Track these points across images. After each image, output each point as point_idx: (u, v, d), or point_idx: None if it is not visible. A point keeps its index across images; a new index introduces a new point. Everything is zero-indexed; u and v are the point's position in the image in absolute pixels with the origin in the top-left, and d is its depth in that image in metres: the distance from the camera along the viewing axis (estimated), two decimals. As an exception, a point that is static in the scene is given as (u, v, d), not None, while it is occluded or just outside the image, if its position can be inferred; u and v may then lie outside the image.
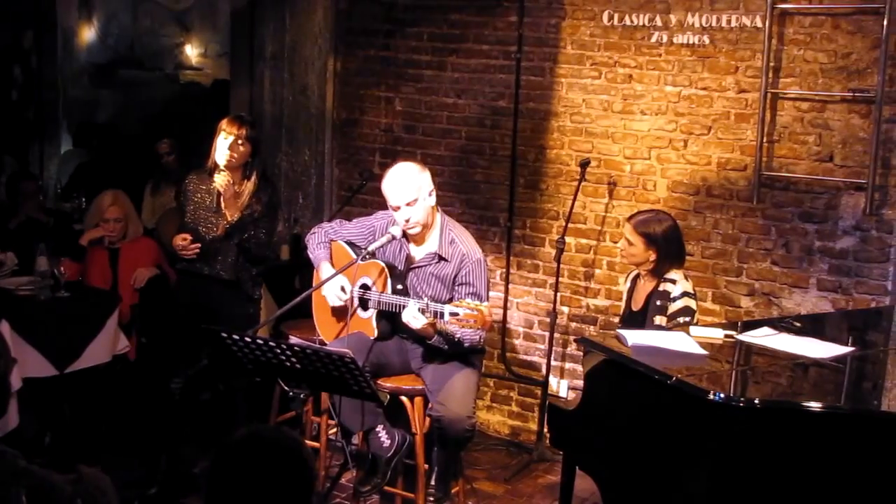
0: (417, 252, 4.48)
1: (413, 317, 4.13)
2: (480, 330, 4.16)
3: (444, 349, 4.32)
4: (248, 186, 4.96)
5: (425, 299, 4.19)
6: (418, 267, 4.45)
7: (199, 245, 4.94)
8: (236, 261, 4.97)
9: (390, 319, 4.44)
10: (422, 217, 4.35)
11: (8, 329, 4.63)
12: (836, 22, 4.93)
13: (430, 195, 4.37)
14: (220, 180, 4.88)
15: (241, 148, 4.90)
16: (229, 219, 4.92)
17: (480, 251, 4.47)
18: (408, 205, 4.30)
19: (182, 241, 4.95)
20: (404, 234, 4.43)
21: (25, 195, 6.64)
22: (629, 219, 4.70)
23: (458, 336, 4.24)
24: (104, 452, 5.04)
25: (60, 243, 5.78)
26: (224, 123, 4.93)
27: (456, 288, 4.36)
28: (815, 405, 3.24)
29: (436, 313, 4.11)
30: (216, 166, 4.91)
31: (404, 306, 4.22)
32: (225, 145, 4.88)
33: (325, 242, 4.69)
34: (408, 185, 4.31)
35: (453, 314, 3.99)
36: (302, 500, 2.30)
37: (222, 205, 4.94)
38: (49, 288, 5.04)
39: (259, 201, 4.95)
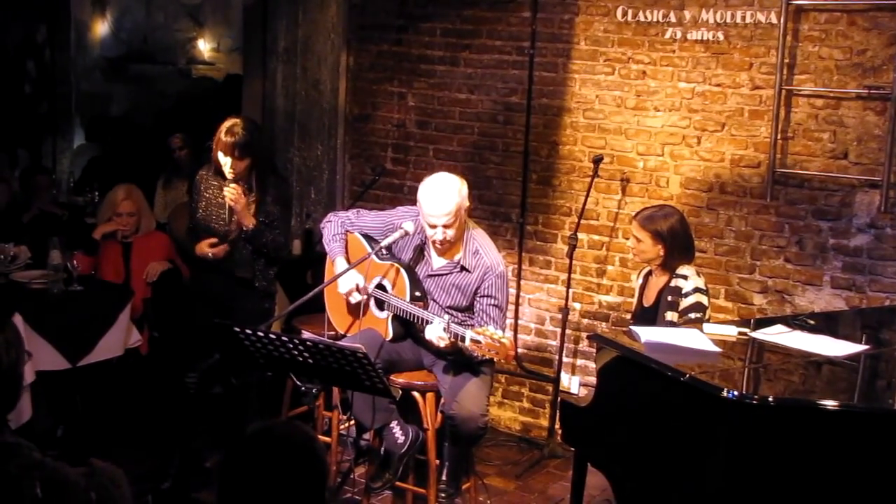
0: (440, 259, 4.43)
1: (438, 336, 4.11)
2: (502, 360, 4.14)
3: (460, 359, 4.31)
4: (256, 194, 4.86)
5: (447, 317, 4.15)
6: (438, 275, 4.41)
7: (226, 245, 4.88)
8: (252, 259, 4.94)
9: (405, 325, 4.42)
10: (455, 236, 4.31)
11: (21, 322, 4.62)
12: (852, 18, 4.90)
13: (465, 213, 4.32)
14: (230, 195, 4.75)
15: (240, 163, 4.77)
16: (246, 226, 4.82)
17: (503, 262, 4.44)
18: (445, 226, 4.25)
19: (208, 247, 4.89)
20: (425, 240, 4.40)
21: (39, 189, 6.66)
22: (635, 216, 4.69)
23: (477, 356, 4.20)
24: (116, 446, 5.05)
25: (73, 237, 5.78)
26: (221, 133, 4.77)
27: (477, 299, 4.33)
28: (828, 403, 3.23)
29: (457, 336, 4.08)
30: (223, 176, 4.84)
31: (426, 321, 4.20)
32: (226, 163, 4.77)
33: (340, 234, 4.65)
34: (449, 206, 4.21)
35: (475, 341, 3.96)
36: (315, 495, 2.30)
37: (234, 217, 4.85)
38: (62, 281, 5.05)
39: (273, 202, 4.88)
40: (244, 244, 4.88)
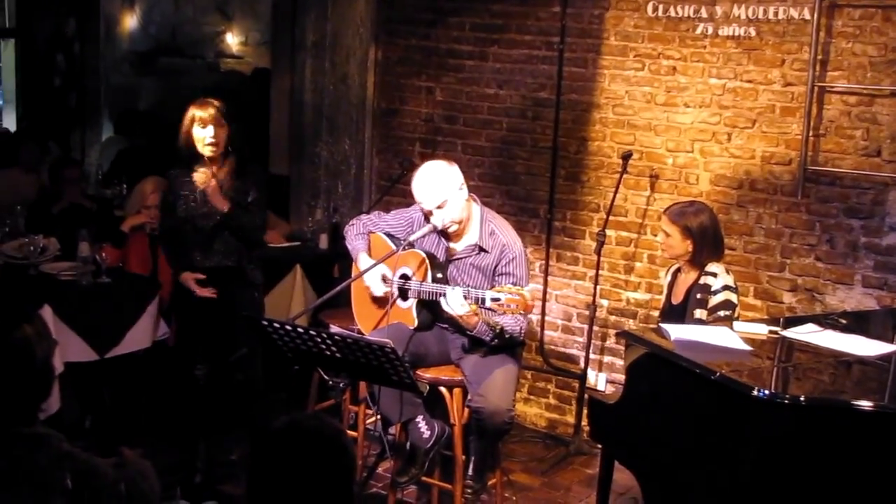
0: (457, 244, 4.46)
1: (459, 304, 4.10)
2: (522, 316, 4.15)
3: (485, 340, 4.29)
4: (226, 170, 4.76)
5: (466, 286, 4.17)
6: (458, 258, 4.43)
7: (213, 290, 4.81)
8: (237, 247, 4.85)
9: (431, 309, 4.42)
10: (456, 215, 4.33)
11: (50, 314, 4.66)
12: (887, 14, 4.84)
13: (460, 189, 4.33)
14: (200, 178, 4.71)
15: (222, 130, 4.71)
16: (221, 209, 4.72)
17: (521, 242, 4.45)
18: (438, 207, 4.28)
19: (193, 282, 4.81)
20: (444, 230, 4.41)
21: (69, 181, 6.68)
22: (665, 211, 4.67)
23: (500, 325, 4.20)
24: (143, 437, 5.07)
25: (102, 229, 5.81)
26: (194, 110, 4.73)
27: (496, 278, 4.34)
28: (861, 403, 3.20)
29: (477, 299, 4.08)
30: (197, 160, 4.75)
31: (445, 294, 4.20)
32: (206, 134, 4.69)
33: (363, 234, 4.69)
34: (435, 188, 4.29)
35: (495, 299, 3.97)
36: (343, 489, 2.29)
37: (209, 201, 4.73)
38: (90, 273, 5.07)
39: (247, 184, 4.78)
40: (227, 233, 4.84)
